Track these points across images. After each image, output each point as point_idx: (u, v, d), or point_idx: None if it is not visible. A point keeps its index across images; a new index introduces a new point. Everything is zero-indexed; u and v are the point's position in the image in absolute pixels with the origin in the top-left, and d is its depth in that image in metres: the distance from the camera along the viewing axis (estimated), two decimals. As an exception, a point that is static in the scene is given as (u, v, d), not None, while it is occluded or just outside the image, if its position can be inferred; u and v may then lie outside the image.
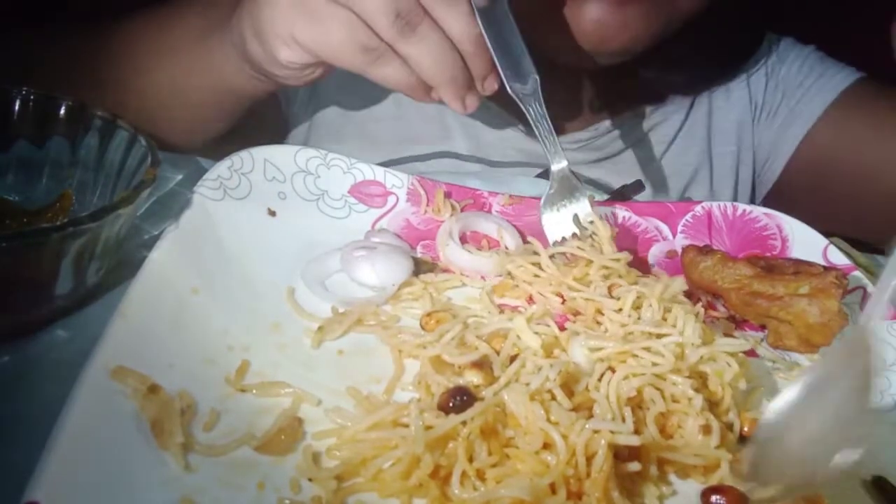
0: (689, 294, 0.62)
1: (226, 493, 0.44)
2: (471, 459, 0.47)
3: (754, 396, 0.58)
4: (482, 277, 0.66)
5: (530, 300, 0.63)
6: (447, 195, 0.71)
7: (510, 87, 0.65)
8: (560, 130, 0.92)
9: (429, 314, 0.59)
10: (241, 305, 0.56)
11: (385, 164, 0.72)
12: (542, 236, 0.71)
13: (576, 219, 0.65)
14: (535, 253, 0.64)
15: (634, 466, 0.48)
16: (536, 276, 0.62)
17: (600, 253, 0.62)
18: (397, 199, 0.70)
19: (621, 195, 0.82)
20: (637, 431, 0.48)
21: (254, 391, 0.50)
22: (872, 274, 0.73)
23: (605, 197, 0.79)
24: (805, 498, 0.47)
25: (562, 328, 0.57)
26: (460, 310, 0.61)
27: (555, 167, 0.67)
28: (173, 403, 0.46)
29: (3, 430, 0.45)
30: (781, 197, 0.98)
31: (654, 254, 0.71)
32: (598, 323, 0.58)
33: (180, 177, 0.68)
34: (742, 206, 0.74)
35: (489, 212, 0.71)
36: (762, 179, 1.01)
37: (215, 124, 0.80)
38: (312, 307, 0.58)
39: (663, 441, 0.51)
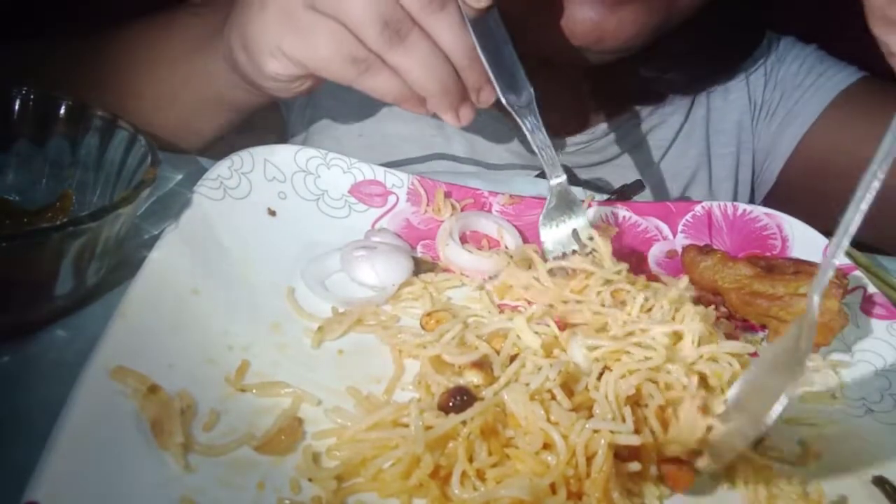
0: (700, 300, 0.62)
1: (226, 493, 0.44)
2: (471, 459, 0.47)
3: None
4: (482, 278, 0.66)
5: (530, 302, 0.63)
6: (447, 195, 0.71)
7: (505, 99, 0.64)
8: (559, 134, 0.93)
9: (429, 314, 0.59)
10: (241, 305, 0.56)
11: (382, 166, 0.72)
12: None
13: (575, 234, 0.65)
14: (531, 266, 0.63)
15: (634, 466, 0.48)
16: (531, 286, 0.61)
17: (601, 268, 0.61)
18: (397, 199, 0.70)
19: (621, 195, 0.82)
20: (637, 431, 0.48)
21: (254, 391, 0.50)
22: (872, 274, 0.73)
23: (605, 197, 0.79)
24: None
25: (561, 328, 0.57)
26: (460, 310, 0.61)
27: (553, 181, 0.66)
28: (173, 403, 0.46)
29: (3, 430, 0.45)
30: (781, 197, 0.98)
31: (654, 254, 0.71)
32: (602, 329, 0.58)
33: (180, 177, 0.68)
34: (742, 206, 0.74)
35: (489, 211, 0.71)
36: (761, 180, 1.01)
37: (212, 131, 0.79)
38: (312, 307, 0.58)
39: (663, 436, 0.51)
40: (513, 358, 0.55)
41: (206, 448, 0.46)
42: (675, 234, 0.73)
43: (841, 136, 0.93)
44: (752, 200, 1.01)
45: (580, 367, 0.53)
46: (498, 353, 0.55)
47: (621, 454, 0.48)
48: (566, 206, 0.65)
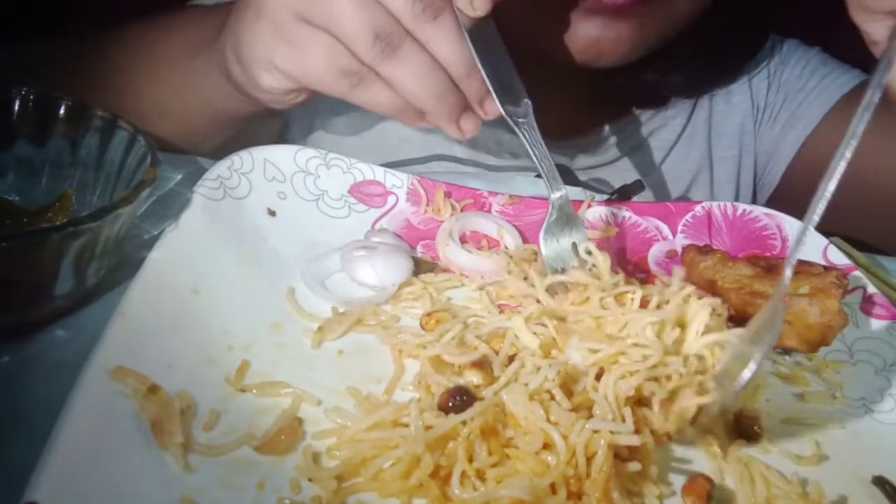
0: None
1: (226, 493, 0.44)
2: (471, 459, 0.47)
3: (756, 396, 0.58)
4: (482, 277, 0.66)
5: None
6: (447, 195, 0.71)
7: (504, 110, 0.62)
8: (560, 135, 0.93)
9: (429, 314, 0.59)
10: (241, 305, 0.56)
11: (383, 167, 0.72)
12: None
13: (574, 248, 0.64)
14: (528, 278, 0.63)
15: (634, 466, 0.48)
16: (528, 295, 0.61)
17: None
18: (397, 199, 0.70)
19: (621, 195, 0.82)
20: (637, 431, 0.48)
21: (254, 391, 0.50)
22: (872, 274, 0.73)
23: (605, 197, 0.79)
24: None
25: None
26: (460, 310, 0.61)
27: (554, 196, 0.64)
28: (173, 403, 0.46)
29: (3, 430, 0.45)
30: (783, 201, 0.98)
31: (654, 254, 0.71)
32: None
33: (180, 177, 0.68)
34: (742, 206, 0.74)
35: (489, 211, 0.71)
36: (763, 184, 1.01)
37: (209, 138, 0.78)
38: (312, 307, 0.58)
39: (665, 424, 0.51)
40: (511, 357, 0.55)
41: (206, 448, 0.46)
42: (674, 234, 0.73)
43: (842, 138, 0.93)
44: (753, 204, 1.01)
45: (578, 368, 0.53)
46: (497, 353, 0.55)
47: (621, 454, 0.48)
48: (566, 219, 0.64)
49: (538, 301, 0.59)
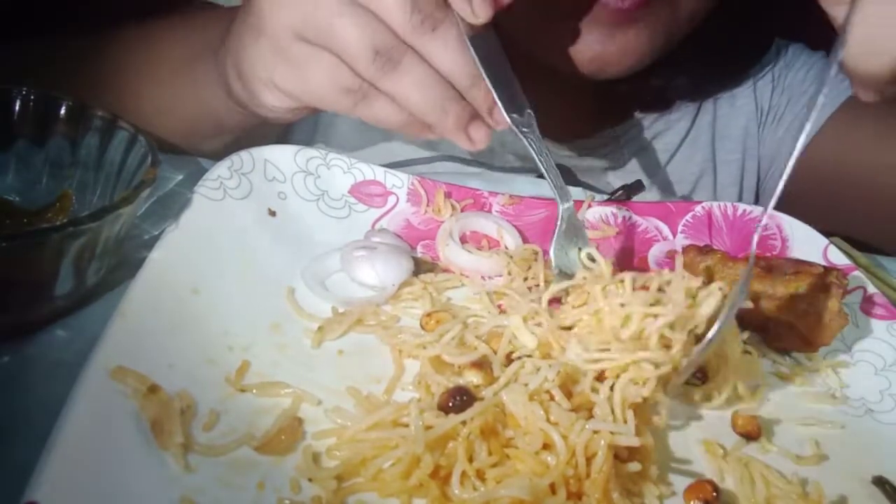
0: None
1: (226, 493, 0.44)
2: (471, 459, 0.47)
3: (756, 395, 0.58)
4: (482, 277, 0.66)
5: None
6: (447, 195, 0.71)
7: (509, 119, 0.61)
8: (564, 140, 0.93)
9: (429, 314, 0.59)
10: (241, 305, 0.56)
11: (386, 167, 0.72)
12: (542, 236, 0.71)
13: (578, 255, 0.63)
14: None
15: (634, 466, 0.48)
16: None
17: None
18: (397, 199, 0.70)
19: (621, 195, 0.82)
20: (638, 432, 0.48)
21: (254, 391, 0.50)
22: (872, 274, 0.73)
23: (605, 197, 0.79)
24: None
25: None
26: (460, 310, 0.61)
27: (563, 206, 0.63)
28: (173, 403, 0.46)
29: (3, 430, 0.45)
30: (786, 204, 0.98)
31: (654, 254, 0.71)
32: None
33: (180, 177, 0.68)
34: (742, 206, 0.74)
35: (489, 212, 0.71)
36: (766, 187, 1.01)
37: (210, 141, 0.78)
38: (312, 307, 0.58)
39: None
40: (509, 356, 0.55)
41: (206, 448, 0.46)
42: (675, 235, 0.73)
43: (847, 143, 0.93)
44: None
45: (578, 367, 0.53)
46: (496, 353, 0.55)
47: (621, 455, 0.48)
48: (574, 230, 0.63)
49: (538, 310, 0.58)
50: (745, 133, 0.99)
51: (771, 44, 0.99)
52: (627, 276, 0.54)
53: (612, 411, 0.49)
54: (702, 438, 0.54)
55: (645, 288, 0.54)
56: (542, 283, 0.64)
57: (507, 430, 0.49)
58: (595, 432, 0.47)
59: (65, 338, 0.52)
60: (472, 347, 0.55)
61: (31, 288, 0.51)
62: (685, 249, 0.68)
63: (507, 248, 0.68)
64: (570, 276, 0.61)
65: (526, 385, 0.50)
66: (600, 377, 0.52)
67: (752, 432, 0.55)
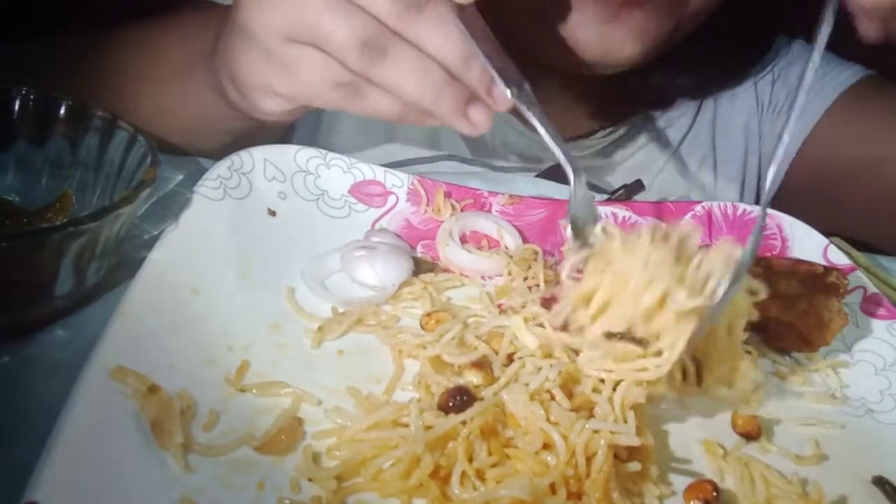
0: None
1: (226, 493, 0.44)
2: (471, 459, 0.47)
3: (756, 395, 0.58)
4: (482, 277, 0.66)
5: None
6: (447, 195, 0.71)
7: (509, 92, 0.58)
8: (565, 138, 0.93)
9: (429, 314, 0.59)
10: (241, 305, 0.56)
11: (388, 166, 0.71)
12: (542, 236, 0.71)
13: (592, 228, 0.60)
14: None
15: (634, 466, 0.48)
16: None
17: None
18: (397, 199, 0.70)
19: (621, 195, 0.82)
20: (638, 432, 0.48)
21: (254, 391, 0.50)
22: (872, 274, 0.73)
23: (605, 197, 0.79)
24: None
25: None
26: (460, 310, 0.61)
27: (575, 177, 0.60)
28: (173, 403, 0.46)
29: (3, 430, 0.45)
30: (786, 200, 0.98)
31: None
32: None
33: (180, 177, 0.68)
34: (742, 206, 0.74)
35: (489, 212, 0.71)
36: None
37: (210, 143, 0.77)
38: (312, 307, 0.58)
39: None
40: (510, 356, 0.55)
41: (206, 448, 0.46)
42: (675, 234, 0.73)
43: (844, 136, 0.93)
44: (757, 204, 1.01)
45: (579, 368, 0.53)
46: (497, 353, 0.55)
47: (621, 454, 0.48)
48: (588, 203, 0.60)
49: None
50: (746, 130, 0.99)
51: (773, 41, 0.99)
52: (644, 229, 0.52)
53: (613, 410, 0.50)
54: (702, 438, 0.54)
55: (664, 239, 0.52)
56: (541, 284, 0.64)
57: (508, 430, 0.49)
58: (595, 432, 0.47)
59: (65, 338, 0.52)
60: (472, 347, 0.55)
61: (31, 288, 0.51)
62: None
63: (507, 248, 0.68)
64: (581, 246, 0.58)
65: (527, 385, 0.50)
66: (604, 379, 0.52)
67: (752, 432, 0.55)
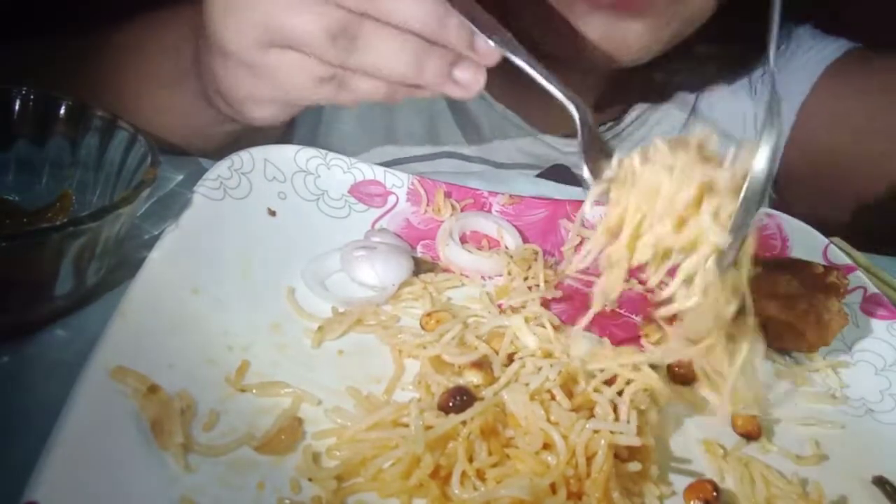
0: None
1: (226, 493, 0.44)
2: (471, 459, 0.47)
3: (756, 395, 0.58)
4: (482, 277, 0.66)
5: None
6: (447, 195, 0.71)
7: (493, 42, 0.56)
8: (561, 132, 0.93)
9: (429, 314, 0.59)
10: (241, 305, 0.56)
11: (389, 164, 0.71)
12: (542, 236, 0.71)
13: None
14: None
15: (634, 466, 0.48)
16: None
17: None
18: (397, 199, 0.70)
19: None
20: (638, 432, 0.48)
21: (254, 391, 0.50)
22: (872, 274, 0.73)
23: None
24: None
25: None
26: (460, 310, 0.61)
27: (578, 114, 0.57)
28: (173, 403, 0.46)
29: (3, 429, 0.45)
30: (784, 187, 0.97)
31: (654, 254, 0.71)
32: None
33: (180, 177, 0.68)
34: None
35: (489, 212, 0.71)
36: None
37: (210, 144, 0.77)
38: (312, 307, 0.58)
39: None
40: (510, 356, 0.55)
41: (206, 448, 0.46)
42: (675, 234, 0.72)
43: (833, 111, 0.92)
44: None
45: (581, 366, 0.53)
46: (497, 353, 0.55)
47: (621, 454, 0.48)
48: (598, 139, 0.58)
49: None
50: (743, 120, 0.99)
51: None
52: (659, 139, 0.51)
53: (615, 409, 0.49)
54: (702, 438, 0.54)
55: (682, 147, 0.50)
56: (541, 284, 0.64)
57: (508, 430, 0.49)
58: (595, 432, 0.47)
59: (65, 338, 0.52)
60: (472, 347, 0.55)
61: (31, 288, 0.51)
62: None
63: (507, 248, 0.68)
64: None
65: (527, 385, 0.50)
66: (609, 382, 0.52)
67: (753, 432, 0.55)
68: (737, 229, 0.47)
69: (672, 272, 0.50)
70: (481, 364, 0.53)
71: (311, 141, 0.90)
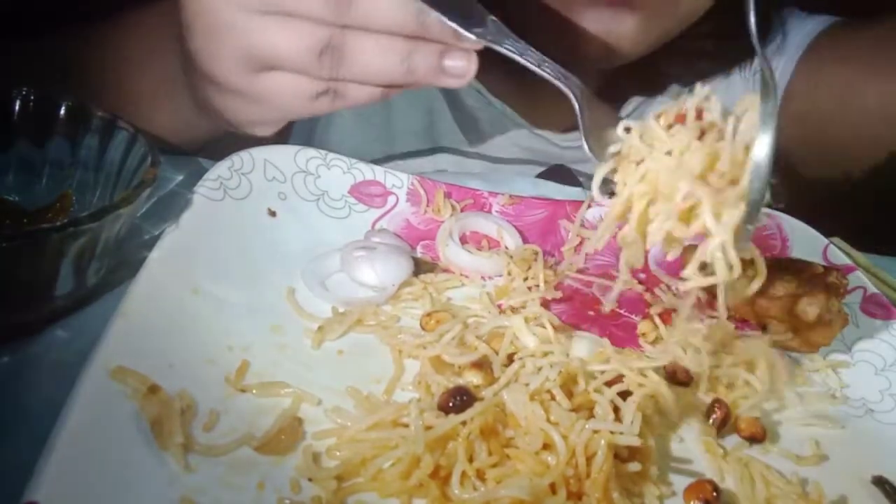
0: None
1: (226, 493, 0.44)
2: (471, 459, 0.47)
3: (755, 396, 0.58)
4: (482, 277, 0.66)
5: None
6: (447, 195, 0.71)
7: (473, 36, 0.55)
8: (559, 130, 0.93)
9: (429, 314, 0.59)
10: (241, 305, 0.56)
11: (387, 159, 0.71)
12: (542, 236, 0.71)
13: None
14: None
15: (634, 466, 0.48)
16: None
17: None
18: (397, 199, 0.70)
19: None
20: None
21: (254, 391, 0.50)
22: (872, 274, 0.73)
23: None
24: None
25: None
26: (460, 310, 0.61)
27: (573, 91, 0.57)
28: (173, 403, 0.46)
29: (3, 430, 0.45)
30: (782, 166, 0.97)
31: (655, 254, 0.71)
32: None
33: (180, 177, 0.68)
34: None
35: (489, 212, 0.72)
36: None
37: (210, 142, 0.78)
38: (312, 307, 0.58)
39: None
40: (510, 356, 0.55)
41: (206, 448, 0.46)
42: (674, 234, 0.72)
43: (819, 84, 0.91)
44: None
45: (583, 364, 0.53)
46: (497, 353, 0.55)
47: (621, 454, 0.48)
48: (598, 110, 0.57)
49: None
50: None
51: (769, 31, 0.99)
52: (653, 119, 0.51)
53: (616, 410, 0.49)
54: (702, 438, 0.54)
55: (680, 119, 0.50)
56: (541, 284, 0.64)
57: (508, 430, 0.49)
58: (595, 432, 0.47)
59: (65, 338, 0.52)
60: (472, 347, 0.55)
61: (31, 288, 0.51)
62: (685, 249, 0.67)
63: (507, 248, 0.68)
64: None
65: (527, 385, 0.50)
66: (611, 383, 0.52)
67: (757, 435, 0.54)
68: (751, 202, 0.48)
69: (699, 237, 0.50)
70: (481, 364, 0.53)
71: (309, 137, 0.90)
